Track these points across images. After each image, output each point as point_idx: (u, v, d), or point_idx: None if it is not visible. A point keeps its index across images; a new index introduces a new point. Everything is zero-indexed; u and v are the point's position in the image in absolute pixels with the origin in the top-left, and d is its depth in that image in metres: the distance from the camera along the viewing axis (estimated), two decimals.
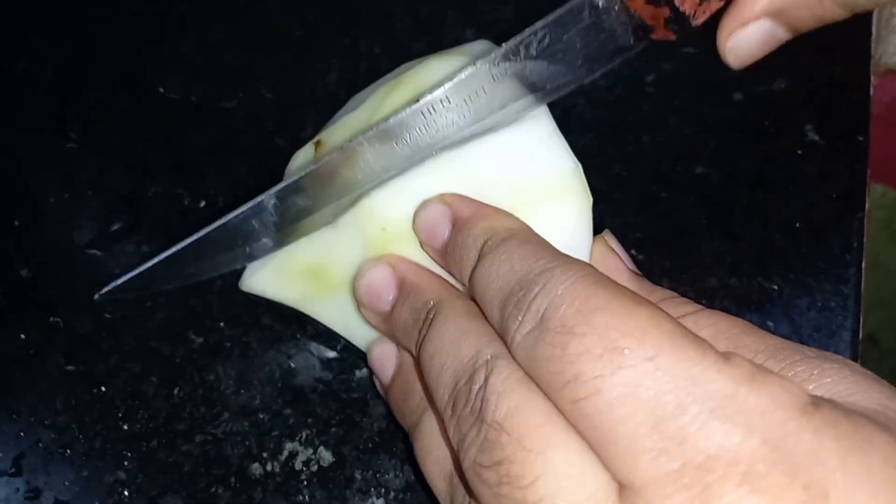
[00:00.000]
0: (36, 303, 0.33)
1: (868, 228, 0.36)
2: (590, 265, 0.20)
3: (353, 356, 0.32)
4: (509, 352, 0.20)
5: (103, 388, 0.32)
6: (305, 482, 0.30)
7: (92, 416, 0.31)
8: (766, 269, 0.33)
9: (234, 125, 0.37)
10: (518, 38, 0.26)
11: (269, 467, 0.30)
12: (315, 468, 0.30)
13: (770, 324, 0.32)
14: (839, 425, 0.16)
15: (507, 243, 0.22)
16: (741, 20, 0.27)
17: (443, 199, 0.25)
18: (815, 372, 0.19)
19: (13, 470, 0.30)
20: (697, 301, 0.32)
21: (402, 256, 0.26)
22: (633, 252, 0.34)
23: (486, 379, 0.20)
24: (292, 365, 0.32)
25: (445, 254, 0.25)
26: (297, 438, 0.31)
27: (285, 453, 0.30)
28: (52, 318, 0.33)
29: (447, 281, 0.26)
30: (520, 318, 0.19)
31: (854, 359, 0.32)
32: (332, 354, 0.32)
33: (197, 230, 0.35)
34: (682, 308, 0.23)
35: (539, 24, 0.26)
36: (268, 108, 0.38)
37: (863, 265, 0.34)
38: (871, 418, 0.17)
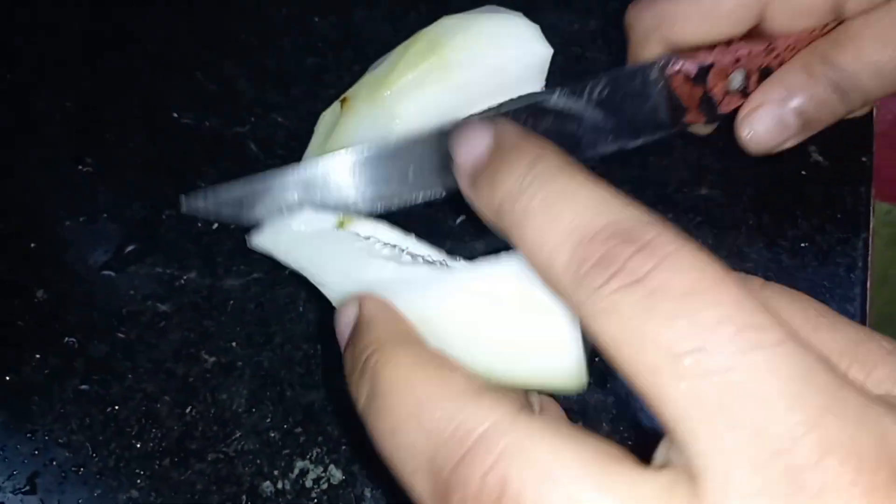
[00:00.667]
0: (51, 324, 0.34)
1: (873, 247, 0.36)
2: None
3: None
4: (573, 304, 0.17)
5: (117, 408, 0.32)
6: (316, 500, 0.30)
7: (106, 435, 0.31)
8: None
9: (246, 151, 0.38)
10: (584, 81, 0.28)
11: (280, 485, 0.30)
12: (325, 486, 0.30)
13: None
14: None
15: (576, 176, 0.18)
16: (754, 107, 0.30)
17: (490, 121, 0.21)
18: None
19: (28, 488, 0.31)
20: None
21: (374, 297, 0.22)
22: None
23: (498, 460, 0.16)
24: (303, 384, 0.32)
25: (481, 173, 0.20)
26: (308, 457, 0.31)
27: (296, 471, 0.31)
28: (67, 339, 0.34)
29: None
30: (615, 269, 0.16)
31: None
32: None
33: (209, 252, 0.36)
34: (753, 285, 0.21)
35: (602, 75, 0.28)
36: (279, 133, 0.38)
37: (868, 284, 0.34)
38: None
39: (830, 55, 0.29)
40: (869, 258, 0.35)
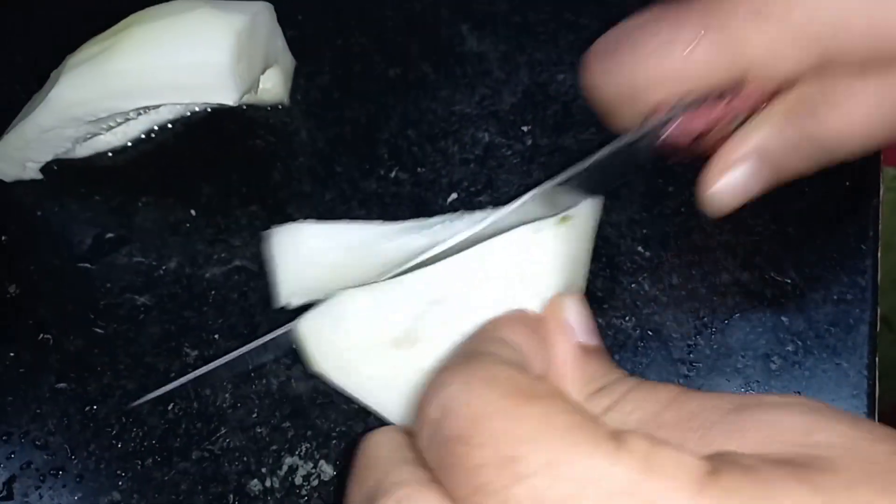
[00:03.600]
0: (24, 320, 0.32)
1: (882, 213, 0.35)
2: (495, 359, 0.20)
3: None
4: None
5: (96, 407, 0.31)
6: (306, 497, 0.29)
7: (85, 435, 0.30)
8: (779, 262, 0.32)
9: (224, 135, 0.36)
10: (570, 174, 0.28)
11: (268, 483, 0.29)
12: (316, 482, 0.29)
13: (784, 319, 0.31)
14: (741, 490, 0.16)
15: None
16: (725, 168, 0.29)
17: None
18: (731, 429, 0.19)
19: (4, 493, 0.29)
20: (709, 299, 0.31)
21: None
22: (640, 248, 0.33)
23: None
24: (290, 376, 0.31)
25: None
26: (297, 452, 0.29)
27: (285, 468, 0.29)
28: (42, 336, 0.32)
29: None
30: (422, 424, 0.19)
31: (872, 353, 0.30)
32: None
33: (189, 240, 0.34)
34: (614, 395, 0.22)
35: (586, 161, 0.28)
36: (261, 115, 0.37)
37: (878, 254, 0.32)
38: (788, 466, 0.17)
39: (809, 122, 0.27)
40: (879, 227, 0.34)
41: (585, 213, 0.28)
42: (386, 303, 0.26)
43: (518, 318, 0.25)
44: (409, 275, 0.27)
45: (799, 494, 0.16)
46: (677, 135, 0.28)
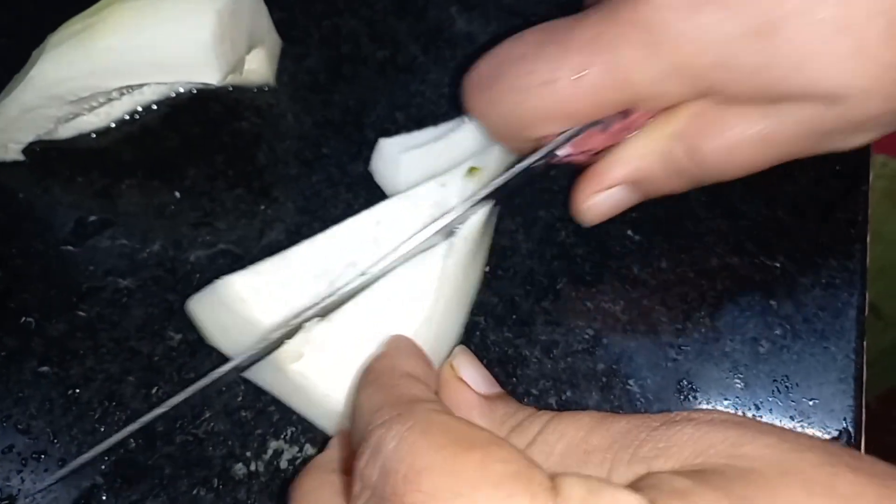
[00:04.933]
0: (6, 303, 0.32)
1: (871, 200, 0.35)
2: (425, 407, 0.20)
3: None
4: None
5: (78, 391, 0.30)
6: (291, 481, 0.29)
7: (67, 419, 0.30)
8: (768, 246, 0.32)
9: (209, 117, 0.36)
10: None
11: (253, 467, 0.29)
12: (301, 466, 0.29)
13: (773, 303, 0.31)
14: None
15: (367, 383, 0.23)
16: (601, 185, 0.29)
17: None
18: (661, 445, 0.19)
19: None
20: (698, 284, 0.31)
21: None
22: (629, 232, 0.32)
23: None
24: None
25: None
26: (282, 436, 0.29)
27: (270, 452, 0.29)
28: (24, 319, 0.32)
29: None
30: (359, 484, 0.19)
31: (860, 337, 0.30)
32: None
33: (173, 222, 0.34)
34: (532, 429, 0.22)
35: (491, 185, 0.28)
36: (246, 97, 0.36)
37: (867, 240, 0.32)
38: (718, 480, 0.17)
39: (690, 147, 0.27)
40: (869, 212, 0.34)
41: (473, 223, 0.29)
42: (273, 282, 0.27)
43: (411, 349, 0.26)
44: (294, 249, 0.28)
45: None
46: (569, 155, 0.28)
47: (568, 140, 0.28)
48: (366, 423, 0.20)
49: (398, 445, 0.18)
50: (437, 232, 0.28)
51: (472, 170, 0.29)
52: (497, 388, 0.26)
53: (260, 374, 0.28)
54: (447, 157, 0.30)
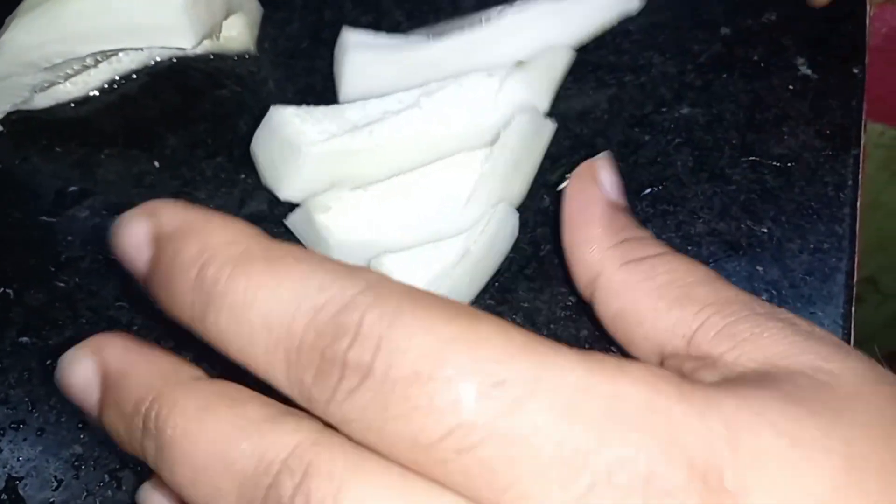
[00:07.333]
0: None
1: (865, 168, 0.34)
2: (395, 281, 0.16)
3: None
4: (320, 425, 0.15)
5: (57, 361, 0.30)
6: None
7: (46, 389, 0.29)
8: (755, 212, 0.31)
9: (189, 85, 0.35)
10: None
11: None
12: None
13: (760, 269, 0.30)
14: (723, 400, 0.15)
15: (247, 269, 0.16)
16: None
17: (145, 208, 0.19)
18: (757, 330, 0.18)
19: None
20: (683, 249, 0.31)
21: (117, 335, 0.19)
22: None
23: (301, 482, 0.15)
24: None
25: (155, 286, 0.18)
26: None
27: None
28: (3, 290, 0.31)
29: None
30: (337, 376, 0.15)
31: (848, 302, 0.30)
32: None
33: (153, 192, 0.33)
34: (644, 250, 0.22)
35: None
36: (227, 65, 0.35)
37: (858, 205, 0.32)
38: (777, 386, 0.16)
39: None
40: (860, 177, 0.33)
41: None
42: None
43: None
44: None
45: (779, 413, 0.16)
46: None
47: None
48: (320, 300, 0.15)
49: (395, 321, 0.15)
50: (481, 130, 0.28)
51: (519, 63, 0.29)
52: (626, 203, 0.24)
53: (297, 223, 0.29)
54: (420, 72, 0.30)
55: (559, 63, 0.31)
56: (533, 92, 0.29)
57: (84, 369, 0.19)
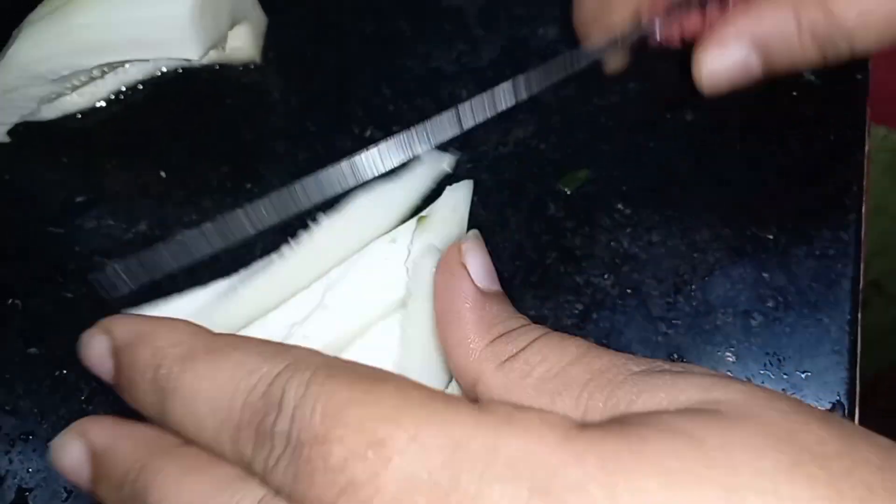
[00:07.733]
0: None
1: (869, 172, 0.34)
2: (316, 353, 0.19)
3: None
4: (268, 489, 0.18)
5: (65, 371, 0.30)
6: None
7: (54, 399, 0.30)
8: (760, 217, 0.31)
9: (195, 95, 0.35)
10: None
11: None
12: None
13: (765, 275, 0.30)
14: (604, 443, 0.16)
15: (192, 364, 0.19)
16: (724, 39, 0.27)
17: (101, 327, 0.22)
18: (636, 389, 0.19)
19: None
20: (688, 255, 0.31)
21: (100, 417, 0.22)
22: (619, 206, 0.32)
23: None
24: None
25: (121, 390, 0.21)
26: None
27: None
28: (11, 301, 0.32)
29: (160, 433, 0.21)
30: (268, 447, 0.17)
31: (854, 307, 0.30)
32: None
33: (159, 202, 0.33)
34: (517, 343, 0.21)
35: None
36: (232, 75, 0.36)
37: (863, 210, 0.32)
38: (663, 422, 0.17)
39: (814, 7, 0.25)
40: (864, 182, 0.33)
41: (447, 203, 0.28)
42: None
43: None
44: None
45: (660, 449, 0.16)
46: (663, 36, 0.28)
47: (652, 28, 0.28)
48: (246, 386, 0.18)
49: (307, 391, 0.17)
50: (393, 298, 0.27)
51: (421, 219, 0.28)
52: (497, 287, 0.24)
53: None
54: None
55: (462, 199, 0.29)
56: (445, 239, 0.27)
57: (73, 451, 0.21)
